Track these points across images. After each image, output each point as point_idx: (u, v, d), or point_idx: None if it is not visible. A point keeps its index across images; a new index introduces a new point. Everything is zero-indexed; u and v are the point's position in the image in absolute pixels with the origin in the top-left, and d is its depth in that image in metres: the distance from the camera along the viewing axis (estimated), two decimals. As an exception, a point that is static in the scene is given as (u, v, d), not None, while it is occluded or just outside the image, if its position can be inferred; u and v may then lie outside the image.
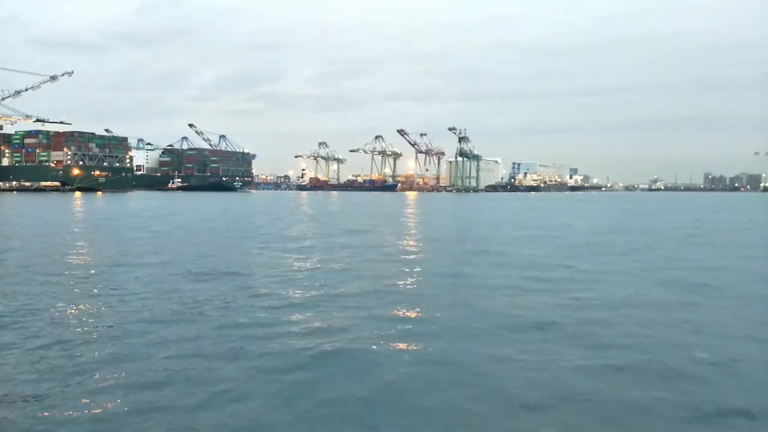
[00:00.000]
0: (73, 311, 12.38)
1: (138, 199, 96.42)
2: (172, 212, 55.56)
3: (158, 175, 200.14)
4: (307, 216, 53.22)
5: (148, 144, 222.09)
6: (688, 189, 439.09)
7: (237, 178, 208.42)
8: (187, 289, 14.91)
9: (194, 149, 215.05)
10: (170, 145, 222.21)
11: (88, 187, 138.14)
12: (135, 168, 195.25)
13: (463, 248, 25.83)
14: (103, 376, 8.40)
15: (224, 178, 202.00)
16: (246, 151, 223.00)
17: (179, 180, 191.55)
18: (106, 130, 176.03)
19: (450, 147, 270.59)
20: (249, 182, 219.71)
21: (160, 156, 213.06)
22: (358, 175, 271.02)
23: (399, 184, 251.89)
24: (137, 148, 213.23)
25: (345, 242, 27.52)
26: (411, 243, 27.87)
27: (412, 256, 22.35)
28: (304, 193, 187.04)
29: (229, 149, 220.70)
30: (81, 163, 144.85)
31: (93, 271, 17.75)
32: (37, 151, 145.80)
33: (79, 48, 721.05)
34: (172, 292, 14.43)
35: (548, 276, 17.26)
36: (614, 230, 37.06)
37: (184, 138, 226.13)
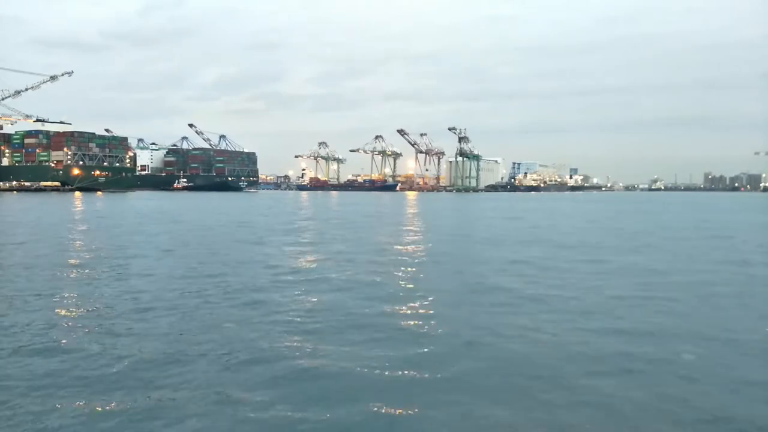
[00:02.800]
0: (62, 315, 12.65)
1: (137, 199, 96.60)
2: (159, 220, 55.54)
3: (163, 174, 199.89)
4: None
5: (153, 144, 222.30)
6: (688, 189, 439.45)
7: (242, 178, 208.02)
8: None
9: (199, 149, 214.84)
10: (174, 145, 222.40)
11: (88, 187, 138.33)
12: (140, 168, 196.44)
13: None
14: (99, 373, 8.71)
15: (230, 178, 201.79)
16: (246, 150, 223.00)
17: (185, 180, 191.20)
18: (106, 130, 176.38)
19: (450, 147, 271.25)
20: (255, 182, 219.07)
21: (165, 156, 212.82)
22: (358, 175, 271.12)
23: (399, 184, 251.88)
24: (142, 148, 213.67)
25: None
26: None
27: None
28: (305, 193, 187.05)
29: (229, 149, 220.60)
30: (81, 163, 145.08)
31: (80, 272, 18.06)
32: (37, 151, 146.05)
33: (81, 48, 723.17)
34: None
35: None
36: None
37: (184, 138, 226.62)
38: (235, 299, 13.83)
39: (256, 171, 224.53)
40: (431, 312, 12.70)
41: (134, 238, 28.91)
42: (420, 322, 11.73)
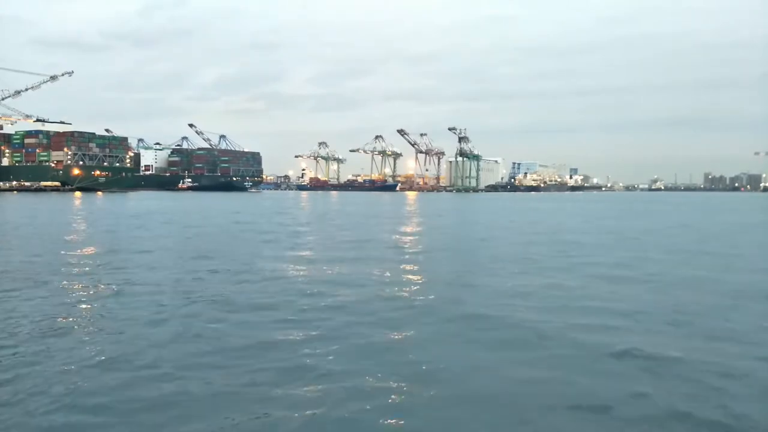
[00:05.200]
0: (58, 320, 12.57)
1: (137, 200, 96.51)
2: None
3: (167, 175, 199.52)
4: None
5: (157, 144, 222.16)
6: (688, 189, 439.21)
7: (247, 178, 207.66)
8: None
9: (204, 149, 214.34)
10: (179, 145, 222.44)
11: (88, 187, 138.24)
12: (144, 168, 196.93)
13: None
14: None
15: (235, 178, 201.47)
16: (246, 150, 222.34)
17: (189, 180, 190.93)
18: (106, 130, 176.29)
19: (450, 147, 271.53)
20: (259, 182, 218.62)
21: (170, 156, 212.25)
22: (358, 175, 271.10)
23: (399, 184, 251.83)
24: (147, 148, 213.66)
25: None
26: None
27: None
28: (305, 193, 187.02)
29: (229, 149, 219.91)
30: (81, 163, 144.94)
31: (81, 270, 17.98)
32: (37, 151, 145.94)
33: (82, 48, 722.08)
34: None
35: None
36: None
37: (185, 138, 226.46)
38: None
39: (261, 171, 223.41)
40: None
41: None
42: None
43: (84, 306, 13.04)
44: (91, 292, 14.53)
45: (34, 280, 16.10)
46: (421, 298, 14.21)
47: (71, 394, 7.74)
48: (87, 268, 18.55)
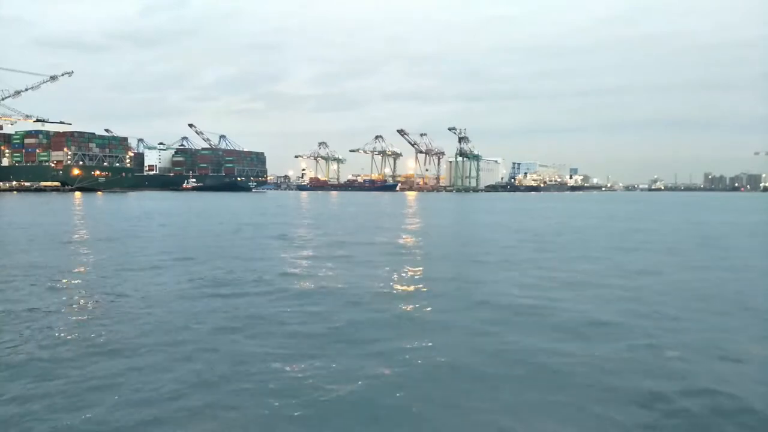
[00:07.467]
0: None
1: (138, 200, 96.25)
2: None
3: (171, 175, 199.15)
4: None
5: (161, 144, 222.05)
6: (688, 189, 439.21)
7: (252, 178, 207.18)
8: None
9: (208, 149, 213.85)
10: (182, 145, 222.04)
11: (88, 187, 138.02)
12: (147, 168, 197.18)
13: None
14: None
15: (239, 179, 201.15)
16: (246, 150, 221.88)
17: (194, 180, 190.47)
18: (106, 130, 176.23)
19: (450, 147, 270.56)
20: (263, 182, 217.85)
21: (174, 156, 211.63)
22: (358, 175, 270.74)
23: (399, 184, 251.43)
24: (150, 148, 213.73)
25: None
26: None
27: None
28: (305, 193, 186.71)
29: (229, 149, 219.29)
30: (81, 163, 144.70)
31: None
32: (37, 151, 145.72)
33: (83, 48, 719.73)
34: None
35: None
36: None
37: (185, 138, 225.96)
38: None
39: (265, 171, 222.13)
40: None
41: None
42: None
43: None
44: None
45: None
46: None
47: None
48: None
